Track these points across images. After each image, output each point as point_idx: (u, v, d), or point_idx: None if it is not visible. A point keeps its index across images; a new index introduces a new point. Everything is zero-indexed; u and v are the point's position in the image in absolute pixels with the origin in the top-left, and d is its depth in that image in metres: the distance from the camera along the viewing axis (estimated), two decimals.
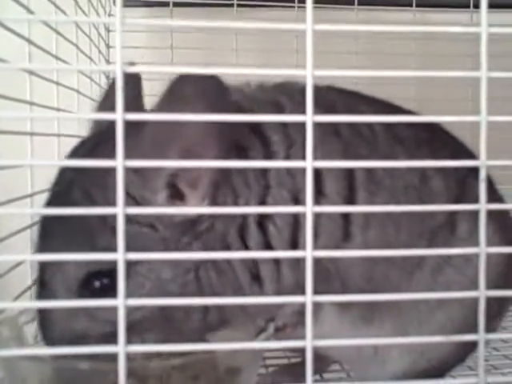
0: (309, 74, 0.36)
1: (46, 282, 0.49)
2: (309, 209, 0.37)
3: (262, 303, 0.43)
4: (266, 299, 0.45)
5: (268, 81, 0.59)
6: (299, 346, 0.37)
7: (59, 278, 0.48)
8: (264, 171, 0.51)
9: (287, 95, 0.55)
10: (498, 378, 0.40)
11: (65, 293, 0.48)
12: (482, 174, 0.38)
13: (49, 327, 0.49)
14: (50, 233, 0.49)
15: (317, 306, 0.54)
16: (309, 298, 0.36)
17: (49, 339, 0.49)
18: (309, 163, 0.37)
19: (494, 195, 0.62)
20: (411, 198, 0.54)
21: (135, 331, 0.47)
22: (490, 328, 0.60)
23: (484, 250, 0.38)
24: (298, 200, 0.50)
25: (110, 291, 0.46)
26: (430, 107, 0.61)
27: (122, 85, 0.34)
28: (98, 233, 0.47)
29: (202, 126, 0.45)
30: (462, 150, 0.62)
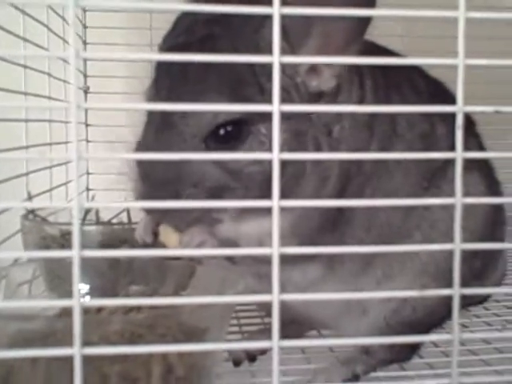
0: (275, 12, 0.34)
1: (172, 123, 0.49)
2: (275, 156, 0.35)
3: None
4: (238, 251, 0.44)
5: None
6: (266, 299, 0.35)
7: (192, 122, 0.49)
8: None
9: None
10: (472, 335, 0.38)
11: (191, 138, 0.49)
12: (459, 120, 0.36)
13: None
14: (192, 76, 0.49)
15: (305, 258, 0.55)
16: (275, 250, 0.35)
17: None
18: (276, 107, 0.36)
19: (478, 146, 0.66)
20: (424, 144, 0.59)
21: None
22: (473, 284, 0.60)
23: (460, 200, 0.37)
24: None
25: (232, 139, 0.49)
26: (415, 44, 0.61)
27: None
28: (245, 84, 0.49)
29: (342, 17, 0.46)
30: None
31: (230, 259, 0.54)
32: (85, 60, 0.98)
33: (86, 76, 1.04)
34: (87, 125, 1.04)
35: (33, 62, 0.76)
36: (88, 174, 1.05)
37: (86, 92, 1.07)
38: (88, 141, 1.05)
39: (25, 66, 0.73)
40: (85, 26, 1.03)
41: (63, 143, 0.91)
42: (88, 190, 1.06)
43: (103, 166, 0.87)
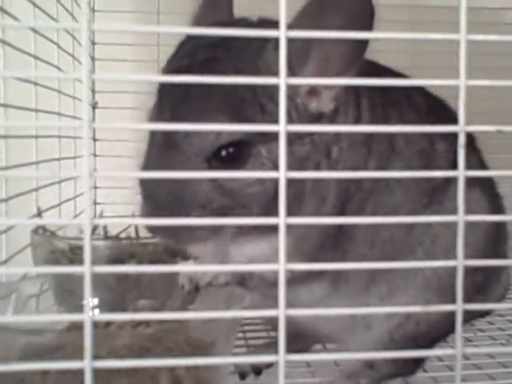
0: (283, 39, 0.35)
1: (175, 143, 0.49)
2: (282, 174, 0.36)
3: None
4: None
5: None
6: (272, 315, 0.36)
7: (195, 142, 0.49)
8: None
9: None
10: (476, 349, 0.39)
11: (195, 157, 0.49)
12: (461, 140, 0.37)
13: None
14: (194, 97, 0.49)
15: (311, 277, 0.56)
16: (282, 266, 0.35)
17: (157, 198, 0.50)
18: (282, 127, 0.37)
19: (478, 162, 0.66)
20: (424, 161, 0.59)
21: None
22: (476, 298, 0.60)
23: (462, 217, 0.37)
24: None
25: (234, 161, 0.49)
26: (419, 76, 0.62)
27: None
28: (246, 104, 0.49)
29: (340, 40, 0.47)
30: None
31: (243, 284, 0.55)
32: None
33: (94, 91, 1.05)
34: (95, 139, 1.05)
35: (43, 80, 0.77)
36: (96, 188, 1.06)
37: (94, 107, 1.08)
38: (96, 155, 1.06)
39: (35, 84, 0.74)
40: (93, 43, 1.03)
41: (72, 158, 0.92)
42: (96, 203, 1.07)
43: (110, 180, 0.88)
